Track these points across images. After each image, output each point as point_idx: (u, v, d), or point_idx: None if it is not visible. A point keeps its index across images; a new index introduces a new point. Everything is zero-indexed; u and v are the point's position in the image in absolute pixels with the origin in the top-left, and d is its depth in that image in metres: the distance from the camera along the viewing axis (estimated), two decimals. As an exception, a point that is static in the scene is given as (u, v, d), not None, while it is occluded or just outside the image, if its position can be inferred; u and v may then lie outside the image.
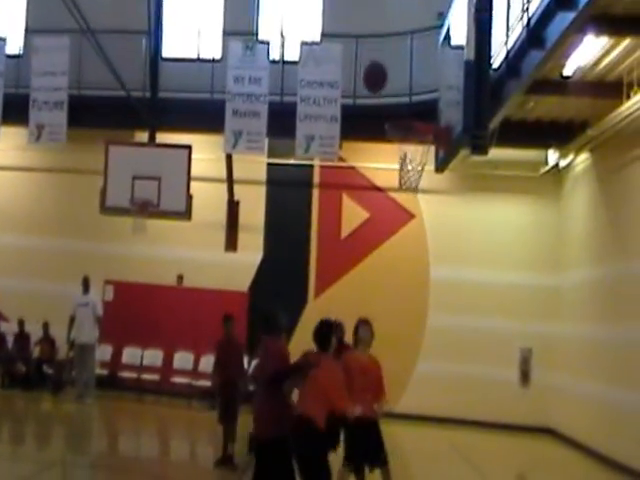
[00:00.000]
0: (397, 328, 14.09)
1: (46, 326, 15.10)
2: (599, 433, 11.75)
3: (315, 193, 15.48)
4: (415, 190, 10.88)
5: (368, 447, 7.34)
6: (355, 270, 15.07)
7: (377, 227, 15.11)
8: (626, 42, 8.95)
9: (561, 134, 12.76)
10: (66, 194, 15.86)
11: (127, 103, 13.28)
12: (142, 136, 14.11)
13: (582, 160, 13.38)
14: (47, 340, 15.21)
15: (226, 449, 9.01)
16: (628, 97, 9.99)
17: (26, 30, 15.49)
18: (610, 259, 11.94)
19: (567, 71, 9.89)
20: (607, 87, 10.20)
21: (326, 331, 6.42)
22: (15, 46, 15.13)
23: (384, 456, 7.38)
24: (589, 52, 9.33)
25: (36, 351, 15.24)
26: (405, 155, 10.96)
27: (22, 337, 15.39)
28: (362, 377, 7.15)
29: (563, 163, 13.96)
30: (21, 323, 15.31)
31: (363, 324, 7.54)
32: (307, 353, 6.49)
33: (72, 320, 13.86)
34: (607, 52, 9.35)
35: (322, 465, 6.11)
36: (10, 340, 15.51)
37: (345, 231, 15.26)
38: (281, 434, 6.07)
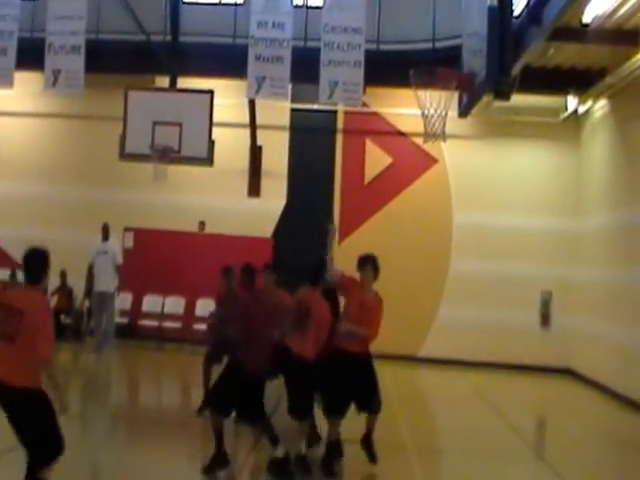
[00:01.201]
0: (420, 272, 15.69)
1: (64, 275, 16.19)
2: (616, 373, 13.22)
3: (339, 138, 16.67)
4: (443, 138, 11.80)
5: (357, 388, 7.47)
6: (378, 215, 16.36)
7: (400, 172, 16.37)
8: (643, -10, 10.24)
9: (580, 81, 14.05)
10: (85, 141, 16.90)
11: (147, 48, 14.37)
12: (163, 81, 15.22)
13: (600, 106, 14.75)
14: (65, 289, 16.36)
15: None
16: (644, 45, 11.27)
17: (41, -27, 16.08)
18: (628, 203, 13.28)
19: (586, 19, 11.15)
20: (624, 35, 11.30)
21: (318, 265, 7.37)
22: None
23: (378, 402, 7.60)
24: (607, 0, 10.61)
25: (53, 300, 15.97)
26: (427, 109, 11.70)
27: (39, 286, 16.85)
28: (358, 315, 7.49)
29: (582, 109, 15.31)
30: (37, 272, 16.72)
31: (361, 263, 7.68)
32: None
33: (91, 268, 14.63)
34: (624, 0, 10.56)
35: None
36: (26, 290, 16.92)
37: (369, 176, 16.55)
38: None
